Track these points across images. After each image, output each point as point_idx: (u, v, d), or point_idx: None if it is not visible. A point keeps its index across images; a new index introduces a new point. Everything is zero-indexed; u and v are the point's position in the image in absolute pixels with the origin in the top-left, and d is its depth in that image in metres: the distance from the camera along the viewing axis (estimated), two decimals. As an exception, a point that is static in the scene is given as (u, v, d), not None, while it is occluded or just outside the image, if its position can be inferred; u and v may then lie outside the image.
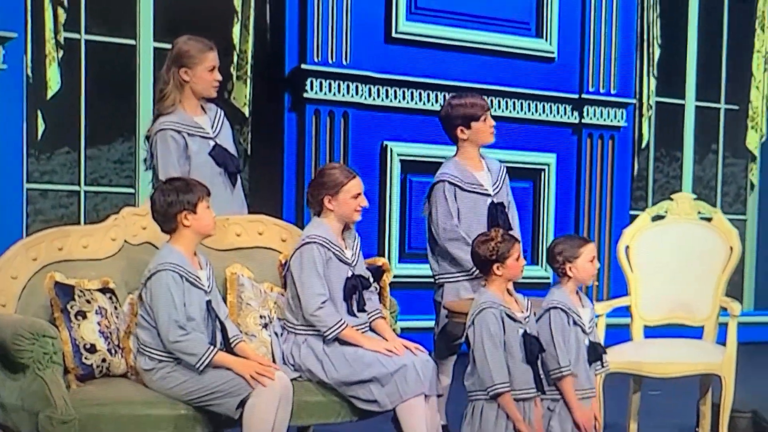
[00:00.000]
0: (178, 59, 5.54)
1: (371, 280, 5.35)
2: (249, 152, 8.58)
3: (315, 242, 5.08)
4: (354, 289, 5.17)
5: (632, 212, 10.37)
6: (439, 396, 5.21)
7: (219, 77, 5.64)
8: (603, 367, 5.16)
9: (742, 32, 11.00)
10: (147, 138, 5.64)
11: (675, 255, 6.14)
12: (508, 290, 4.95)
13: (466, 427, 4.88)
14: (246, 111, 8.50)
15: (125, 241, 5.10)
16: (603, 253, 9.51)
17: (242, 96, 8.48)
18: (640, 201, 10.68)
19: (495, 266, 4.85)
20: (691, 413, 6.35)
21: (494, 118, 9.21)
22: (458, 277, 5.82)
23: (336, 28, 8.80)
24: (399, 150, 9.18)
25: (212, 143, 5.61)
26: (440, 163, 9.01)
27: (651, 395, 6.10)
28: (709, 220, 6.21)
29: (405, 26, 9.17)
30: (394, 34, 9.12)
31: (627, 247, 6.13)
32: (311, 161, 8.75)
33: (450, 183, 5.84)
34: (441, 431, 5.23)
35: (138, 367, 4.80)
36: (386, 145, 9.14)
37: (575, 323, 4.95)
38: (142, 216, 5.13)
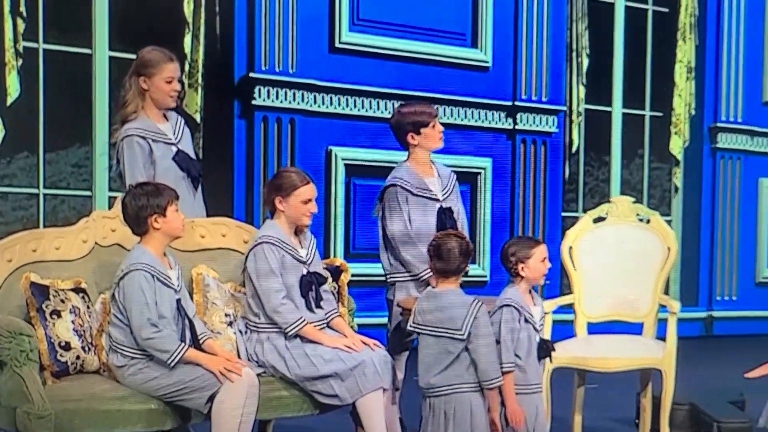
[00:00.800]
0: (139, 68, 5.52)
1: (329, 278, 5.36)
2: (201, 157, 8.52)
3: (267, 242, 5.08)
4: (309, 285, 5.16)
5: (564, 214, 10.54)
6: (396, 390, 5.22)
7: (177, 88, 5.59)
8: (551, 362, 5.23)
9: (665, 43, 11.08)
10: (113, 144, 5.62)
11: (615, 255, 6.13)
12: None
13: (427, 427, 4.87)
14: (197, 117, 8.44)
15: (96, 242, 5.06)
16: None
17: (194, 103, 8.43)
18: (572, 203, 10.77)
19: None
20: (632, 406, 6.41)
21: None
22: (407, 277, 5.80)
23: (282, 38, 8.80)
24: (343, 155, 9.21)
25: (175, 149, 5.58)
26: (383, 168, 9.11)
27: (589, 388, 6.10)
28: (647, 221, 6.24)
29: (347, 37, 9.20)
30: (337, 44, 9.14)
31: (570, 248, 6.12)
32: (260, 166, 8.75)
33: (402, 188, 5.80)
34: (398, 423, 5.25)
35: (110, 364, 4.78)
36: (331, 150, 9.16)
37: (527, 321, 4.96)
38: (112, 219, 5.10)
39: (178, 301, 4.76)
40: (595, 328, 6.09)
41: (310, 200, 5.18)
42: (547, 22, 10.13)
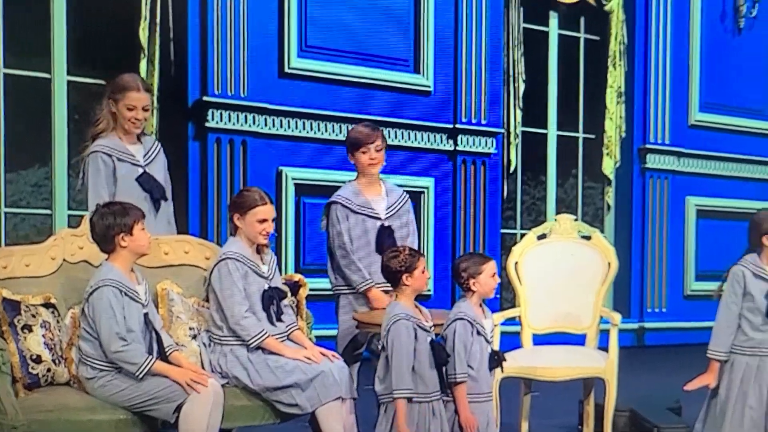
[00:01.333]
0: (111, 92, 5.56)
1: (288, 293, 5.39)
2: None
3: (230, 258, 5.09)
4: (271, 299, 5.18)
5: (503, 231, 10.64)
6: (353, 399, 5.24)
7: (138, 116, 5.56)
8: (501, 372, 5.27)
9: (596, 69, 11.20)
10: (80, 157, 5.63)
11: (559, 270, 6.20)
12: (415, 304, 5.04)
13: (378, 427, 4.94)
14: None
15: (64, 259, 5.08)
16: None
17: (149, 126, 8.36)
18: (510, 221, 10.85)
19: (404, 277, 4.92)
20: (575, 413, 6.48)
21: (377, 146, 9.50)
22: (347, 290, 5.85)
23: (234, 64, 8.83)
24: (293, 174, 9.25)
25: (141, 170, 5.58)
26: (331, 187, 9.12)
27: (534, 396, 6.18)
28: (588, 238, 6.32)
29: (296, 62, 9.24)
30: (286, 70, 9.18)
31: (516, 263, 6.19)
32: (214, 185, 8.77)
33: (342, 205, 5.84)
34: (356, 430, 5.26)
35: (80, 376, 4.79)
36: (281, 170, 9.20)
37: (479, 333, 5.02)
38: (79, 237, 5.12)
39: (146, 315, 4.77)
40: (540, 339, 6.17)
41: (266, 220, 5.18)
42: (485, 49, 10.22)
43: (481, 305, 5.15)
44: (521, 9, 10.56)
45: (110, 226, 4.71)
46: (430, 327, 4.99)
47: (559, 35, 11.15)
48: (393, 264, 4.95)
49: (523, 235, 10.64)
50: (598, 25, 11.20)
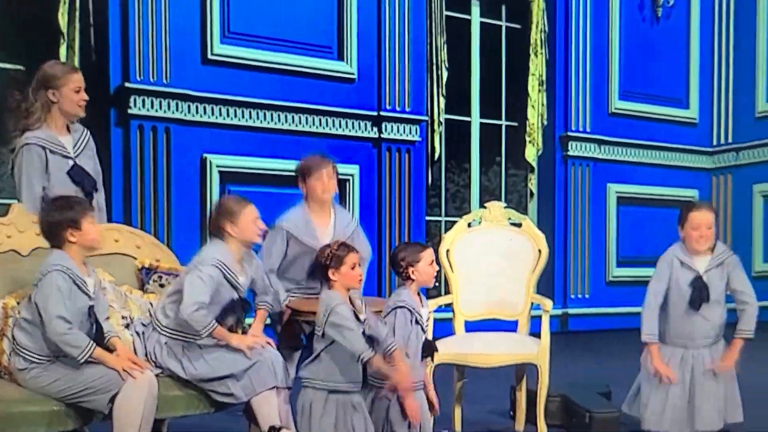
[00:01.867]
0: (46, 82, 5.35)
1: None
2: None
3: (214, 265, 4.94)
4: (233, 310, 5.08)
5: (428, 218, 10.57)
6: (288, 388, 5.14)
7: (85, 97, 5.45)
8: (432, 361, 5.23)
9: (518, 57, 11.21)
10: (11, 150, 5.44)
11: (490, 257, 6.17)
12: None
13: (299, 413, 4.87)
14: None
15: (-8, 249, 4.86)
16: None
17: (69, 111, 8.16)
18: (435, 208, 10.80)
19: (330, 271, 4.81)
20: (506, 399, 6.45)
21: (301, 133, 9.37)
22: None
23: (156, 50, 8.64)
24: (218, 162, 9.08)
25: (71, 163, 5.41)
26: (256, 174, 9.08)
27: (466, 383, 6.11)
28: (518, 225, 6.27)
29: (219, 49, 9.08)
30: (209, 56, 9.02)
31: (447, 251, 6.14)
32: (137, 173, 8.58)
33: (287, 231, 5.79)
34: (291, 420, 5.13)
35: (12, 367, 4.60)
36: (206, 158, 9.02)
37: (417, 322, 4.96)
38: (6, 225, 4.90)
39: (91, 307, 4.61)
40: (472, 326, 6.13)
41: (257, 218, 5.12)
42: (408, 36, 10.16)
43: (418, 294, 5.08)
44: (444, -4, 10.52)
45: (57, 223, 4.57)
46: (363, 320, 4.86)
47: (481, 23, 11.14)
48: (319, 257, 4.88)
49: (447, 222, 10.74)
50: (520, 14, 11.22)
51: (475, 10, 11.03)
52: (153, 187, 8.66)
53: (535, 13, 11.07)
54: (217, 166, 9.05)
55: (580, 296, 11.34)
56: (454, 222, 10.58)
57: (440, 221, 10.85)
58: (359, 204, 9.86)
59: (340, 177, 9.38)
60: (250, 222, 5.06)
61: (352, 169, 9.80)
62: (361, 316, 4.83)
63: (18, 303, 4.65)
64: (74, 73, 5.42)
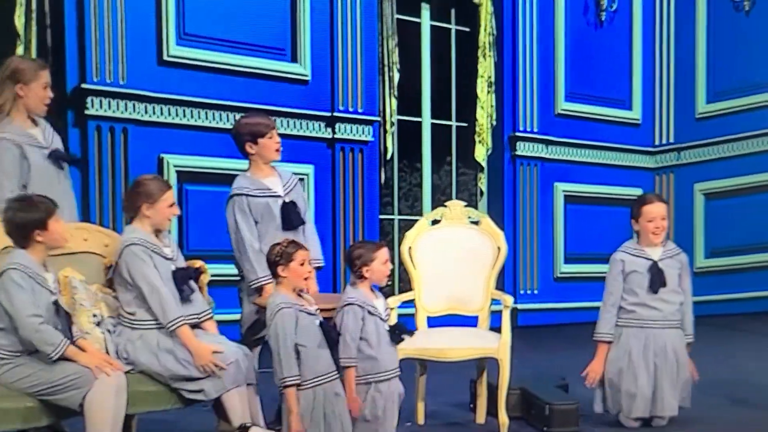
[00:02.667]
0: (14, 75, 5.32)
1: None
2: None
3: (135, 243, 4.98)
4: (183, 278, 5.08)
5: (381, 216, 10.61)
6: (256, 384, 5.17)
7: (51, 95, 5.45)
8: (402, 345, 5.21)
9: (467, 60, 11.24)
10: None
11: (451, 254, 6.18)
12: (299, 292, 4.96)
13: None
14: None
15: (-41, 248, 4.82)
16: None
17: (27, 111, 8.05)
18: (388, 206, 10.82)
19: (279, 268, 4.85)
20: (466, 392, 6.48)
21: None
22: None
23: (112, 51, 8.58)
24: (174, 162, 9.04)
25: (47, 151, 5.40)
26: (212, 174, 9.01)
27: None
28: (477, 223, 6.31)
29: (175, 50, 9.03)
30: (165, 57, 8.97)
31: (410, 248, 6.15)
32: (95, 173, 8.51)
33: (243, 195, 5.75)
34: (260, 414, 5.18)
35: None
36: (162, 158, 8.98)
37: (371, 313, 4.98)
38: (-25, 223, 4.84)
39: (56, 302, 4.61)
40: (434, 321, 6.15)
41: (173, 204, 5.16)
42: (360, 39, 10.18)
43: (371, 289, 5.11)
44: (394, 0, 10.50)
45: (24, 223, 4.56)
46: (316, 310, 4.92)
47: (431, 26, 11.15)
48: (270, 254, 4.92)
49: (401, 221, 10.75)
50: (468, 17, 11.24)
51: (425, 13, 11.06)
52: (111, 186, 8.60)
53: (483, 16, 11.10)
54: (174, 166, 9.02)
55: (528, 292, 11.37)
56: (408, 220, 10.71)
57: (393, 219, 10.86)
58: (314, 202, 9.84)
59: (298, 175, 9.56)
60: (166, 206, 5.09)
61: (307, 169, 9.77)
62: (313, 309, 4.88)
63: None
64: (44, 70, 5.40)
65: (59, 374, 4.49)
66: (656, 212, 5.95)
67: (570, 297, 11.45)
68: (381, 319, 5.04)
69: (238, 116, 9.20)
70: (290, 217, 5.77)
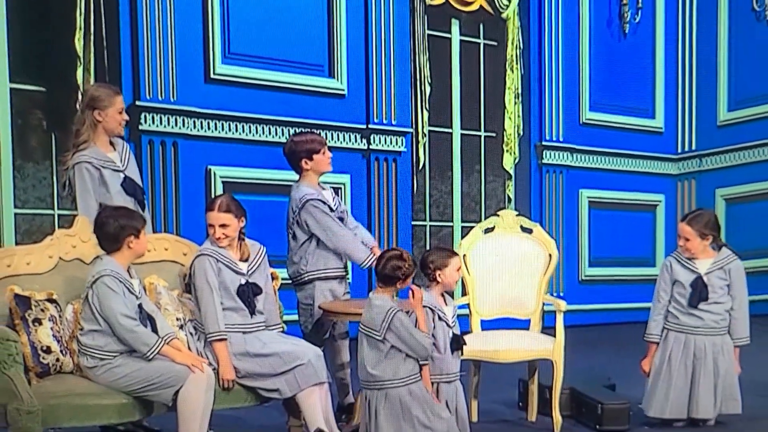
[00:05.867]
0: (92, 103, 5.77)
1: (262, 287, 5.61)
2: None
3: (205, 255, 5.40)
4: (246, 295, 5.45)
5: (414, 223, 10.97)
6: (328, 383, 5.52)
7: (126, 117, 5.90)
8: (461, 354, 5.54)
9: (495, 72, 11.59)
10: (65, 169, 5.82)
11: (504, 261, 6.43)
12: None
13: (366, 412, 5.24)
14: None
15: (60, 257, 5.29)
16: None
17: (90, 129, 8.58)
18: (420, 213, 11.15)
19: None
20: (514, 392, 6.78)
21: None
22: (322, 275, 6.24)
23: (164, 71, 9.07)
24: (221, 173, 9.52)
25: (122, 176, 5.83)
26: (256, 184, 9.50)
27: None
28: (530, 231, 6.58)
29: (221, 68, 9.51)
30: (212, 75, 9.44)
31: (464, 255, 6.34)
32: (148, 183, 8.93)
33: (321, 201, 6.24)
34: (332, 414, 5.51)
35: (82, 366, 5.02)
36: (210, 169, 9.46)
37: (440, 318, 5.32)
38: (72, 236, 5.35)
39: (140, 305, 5.00)
40: (487, 324, 6.42)
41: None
42: (393, 55, 10.56)
43: (442, 294, 5.45)
44: (426, 17, 10.90)
45: (123, 228, 4.97)
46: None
47: (461, 41, 11.49)
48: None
49: (432, 227, 11.18)
50: (496, 32, 11.59)
51: (455, 29, 11.40)
52: (163, 196, 9.09)
53: (510, 30, 11.47)
54: (221, 177, 9.49)
55: (555, 294, 11.72)
56: (439, 226, 11.15)
57: (425, 225, 11.26)
58: (350, 210, 10.19)
59: (333, 186, 9.93)
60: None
61: (343, 179, 10.18)
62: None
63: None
64: (118, 96, 5.84)
65: (155, 373, 4.88)
66: (679, 232, 6.21)
67: (594, 299, 11.77)
68: (448, 325, 5.36)
69: (279, 129, 9.84)
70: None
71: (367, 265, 6.18)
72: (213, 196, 9.37)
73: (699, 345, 6.13)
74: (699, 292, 6.11)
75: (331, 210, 6.31)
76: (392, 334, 5.08)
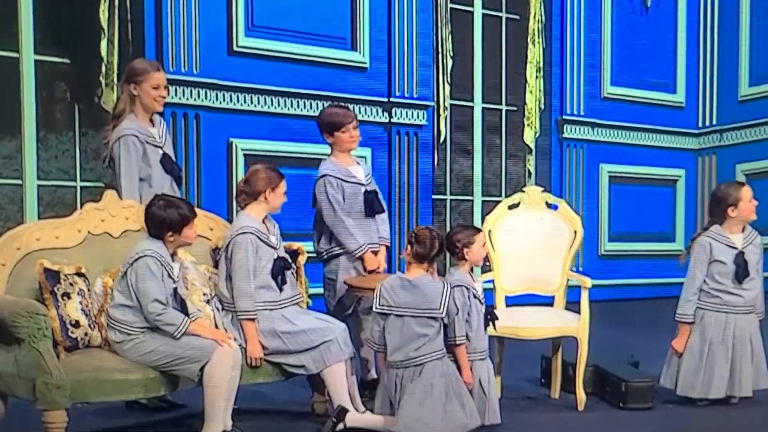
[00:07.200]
0: (130, 76, 5.75)
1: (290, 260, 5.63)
2: (114, 149, 8.70)
3: (247, 232, 5.34)
4: (280, 270, 5.45)
5: (434, 197, 10.96)
6: (351, 358, 5.51)
7: (164, 94, 5.81)
8: (495, 330, 5.52)
9: (517, 46, 11.57)
10: (105, 140, 5.77)
11: (529, 237, 6.36)
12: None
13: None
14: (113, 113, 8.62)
15: (88, 231, 5.28)
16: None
17: (110, 100, 8.54)
18: (440, 187, 11.16)
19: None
20: (536, 368, 6.76)
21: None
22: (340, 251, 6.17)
23: (187, 43, 9.06)
24: (242, 146, 9.51)
25: (161, 152, 5.78)
26: (278, 157, 9.49)
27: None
28: (555, 207, 6.51)
29: (244, 41, 9.49)
30: (235, 48, 9.42)
31: (489, 231, 6.29)
32: (171, 156, 8.97)
33: (334, 177, 6.12)
34: (356, 390, 5.52)
35: (110, 340, 5.00)
36: (231, 142, 9.45)
37: (474, 296, 5.30)
38: (101, 210, 5.34)
39: (175, 289, 4.99)
40: (510, 300, 6.38)
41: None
42: (416, 28, 10.53)
43: (470, 271, 5.43)
44: (448, -10, 10.86)
45: (162, 221, 4.93)
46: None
47: (483, 15, 11.46)
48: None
49: (452, 201, 11.17)
50: (518, 5, 11.57)
51: (478, 2, 11.38)
52: (184, 168, 9.02)
53: (533, 4, 11.43)
54: (242, 150, 9.49)
55: (574, 269, 11.68)
56: (459, 200, 11.13)
57: (445, 199, 11.25)
58: (372, 184, 10.28)
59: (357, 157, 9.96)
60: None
61: (365, 152, 10.11)
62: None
63: (113, 281, 5.07)
64: (155, 72, 5.77)
65: (182, 348, 4.87)
66: (749, 193, 6.05)
67: (614, 274, 11.77)
68: (480, 302, 5.34)
69: (301, 102, 9.81)
70: (373, 204, 6.21)
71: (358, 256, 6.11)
72: (234, 169, 9.40)
73: (739, 324, 6.06)
74: (743, 267, 6.02)
75: (360, 185, 6.22)
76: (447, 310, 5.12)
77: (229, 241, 5.36)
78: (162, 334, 4.94)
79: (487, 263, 6.29)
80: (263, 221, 5.49)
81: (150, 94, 5.74)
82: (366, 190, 6.26)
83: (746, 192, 6.08)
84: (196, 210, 5.51)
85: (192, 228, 5.02)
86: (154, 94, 5.76)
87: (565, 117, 11.69)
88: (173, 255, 5.04)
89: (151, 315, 4.88)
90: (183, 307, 5.01)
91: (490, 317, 5.42)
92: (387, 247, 6.36)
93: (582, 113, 11.79)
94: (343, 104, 6.74)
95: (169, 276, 4.95)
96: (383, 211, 6.32)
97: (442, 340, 5.18)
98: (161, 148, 5.81)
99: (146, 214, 5.01)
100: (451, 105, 11.06)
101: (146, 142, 5.71)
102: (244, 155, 9.50)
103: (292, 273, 5.66)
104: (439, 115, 10.88)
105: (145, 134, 5.74)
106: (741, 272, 6.02)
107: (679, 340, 6.15)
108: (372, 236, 6.21)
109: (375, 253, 6.19)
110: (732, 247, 6.08)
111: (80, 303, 4.96)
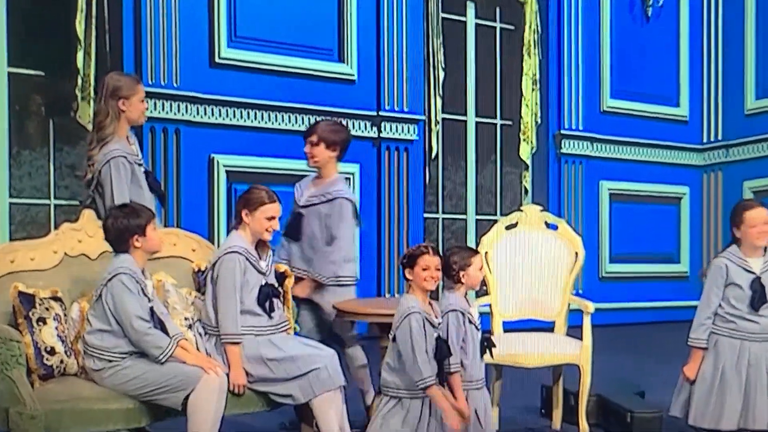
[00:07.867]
0: (116, 92, 5.72)
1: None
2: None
3: (234, 252, 5.28)
4: (267, 296, 5.39)
5: (426, 215, 10.95)
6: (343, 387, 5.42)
7: (147, 106, 5.92)
8: (492, 357, 5.37)
9: (512, 58, 11.62)
10: (90, 162, 5.75)
11: (527, 259, 6.32)
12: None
13: (390, 420, 5.02)
14: (89, 127, 8.52)
15: (65, 253, 5.24)
16: (402, 251, 9.80)
17: (86, 114, 8.57)
18: (432, 205, 11.16)
19: (406, 271, 5.07)
20: (536, 397, 6.70)
21: (301, 132, 9.81)
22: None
23: (167, 55, 9.08)
24: (225, 162, 9.52)
25: (143, 170, 5.80)
26: (261, 173, 9.46)
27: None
28: (555, 228, 6.46)
29: (226, 52, 9.52)
30: (217, 60, 9.45)
31: (486, 253, 6.22)
32: (149, 171, 8.97)
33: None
34: (346, 420, 5.42)
35: (87, 368, 4.96)
36: (213, 158, 9.47)
37: (470, 322, 5.16)
38: (78, 231, 5.30)
39: (151, 308, 4.95)
40: (508, 325, 6.33)
41: (273, 218, 5.40)
42: (406, 38, 10.58)
43: (465, 296, 5.29)
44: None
45: (125, 229, 4.91)
46: (438, 323, 5.09)
47: (476, 25, 11.53)
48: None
49: (445, 220, 11.17)
50: (513, 15, 11.63)
51: (471, 12, 11.43)
52: (164, 186, 8.97)
53: (528, 14, 11.48)
54: (224, 166, 9.49)
55: (573, 292, 11.68)
56: (452, 219, 11.14)
57: (438, 218, 11.23)
58: (360, 201, 10.24)
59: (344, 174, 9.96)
60: (263, 218, 5.34)
61: (352, 168, 10.15)
62: (436, 320, 5.02)
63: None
64: (140, 84, 5.83)
65: (165, 376, 4.81)
66: (758, 217, 5.85)
67: (616, 297, 11.74)
68: (476, 328, 5.20)
69: (286, 116, 9.81)
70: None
71: None
72: (216, 186, 9.39)
73: (754, 351, 5.90)
74: (760, 294, 5.87)
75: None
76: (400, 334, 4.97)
77: (215, 260, 5.32)
78: (144, 360, 4.89)
79: (484, 287, 6.23)
80: (256, 247, 5.44)
81: (138, 108, 5.79)
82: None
83: (751, 215, 5.89)
84: (178, 230, 5.56)
85: (155, 230, 5.00)
86: (142, 108, 5.82)
87: (562, 132, 11.74)
88: (143, 271, 5.00)
89: (138, 334, 4.83)
90: (162, 327, 4.96)
91: (487, 344, 5.31)
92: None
93: (581, 127, 11.84)
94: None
95: (144, 294, 4.92)
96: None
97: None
98: (142, 165, 5.82)
99: (106, 231, 4.99)
100: (443, 119, 11.08)
101: (134, 162, 5.72)
102: (227, 172, 9.52)
103: (280, 299, 5.61)
104: (430, 130, 10.89)
105: (132, 154, 5.74)
106: (757, 299, 5.88)
107: (691, 366, 5.98)
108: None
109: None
110: (749, 271, 5.92)
111: (56, 329, 4.91)
